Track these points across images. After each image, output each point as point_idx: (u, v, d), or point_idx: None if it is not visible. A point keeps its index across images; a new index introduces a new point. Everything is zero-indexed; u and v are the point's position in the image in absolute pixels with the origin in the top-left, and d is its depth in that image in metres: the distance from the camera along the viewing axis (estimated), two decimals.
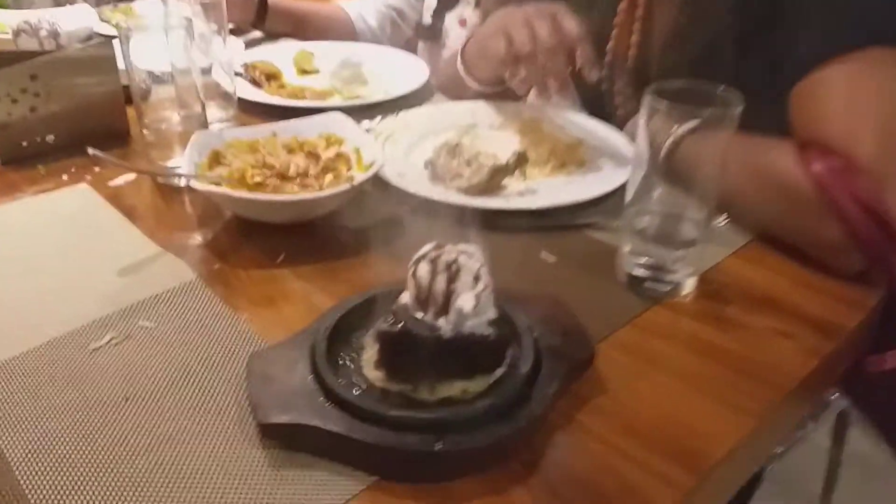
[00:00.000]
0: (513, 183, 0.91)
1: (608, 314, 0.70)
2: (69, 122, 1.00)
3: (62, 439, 0.55)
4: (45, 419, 0.57)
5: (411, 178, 0.91)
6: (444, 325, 0.55)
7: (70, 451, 0.54)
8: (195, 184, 0.79)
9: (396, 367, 0.57)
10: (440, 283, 0.54)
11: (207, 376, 0.62)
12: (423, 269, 0.55)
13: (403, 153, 0.98)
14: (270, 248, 0.79)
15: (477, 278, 0.55)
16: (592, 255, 0.81)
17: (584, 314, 0.66)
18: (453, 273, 0.55)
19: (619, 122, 1.07)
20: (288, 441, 0.55)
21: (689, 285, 0.74)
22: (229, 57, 1.06)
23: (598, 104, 1.13)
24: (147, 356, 0.64)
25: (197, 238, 0.83)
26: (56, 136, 1.01)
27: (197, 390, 0.60)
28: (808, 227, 0.76)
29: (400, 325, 0.55)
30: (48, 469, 0.53)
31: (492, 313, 0.56)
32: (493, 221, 0.84)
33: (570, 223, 0.85)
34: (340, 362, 0.60)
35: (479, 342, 0.55)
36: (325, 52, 1.34)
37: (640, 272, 0.75)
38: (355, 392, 0.56)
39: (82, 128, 1.00)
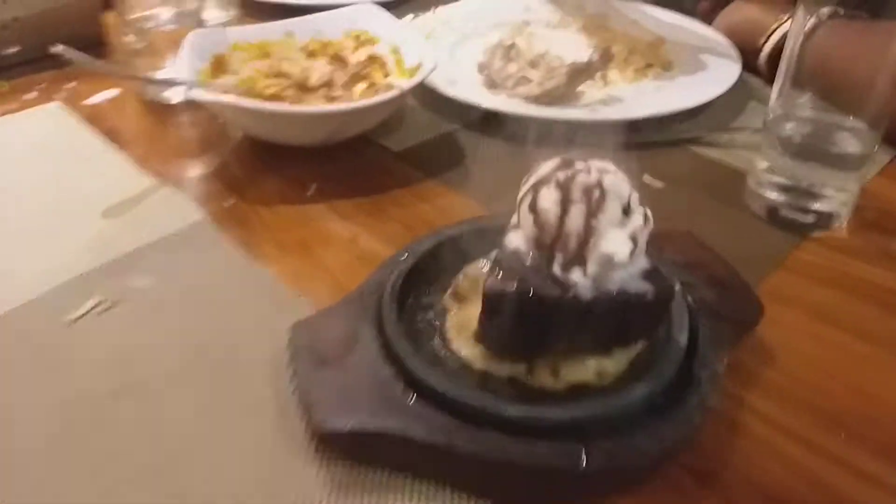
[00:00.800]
0: (591, 89, 0.73)
1: (748, 254, 0.53)
2: (35, 29, 0.82)
3: (27, 455, 0.38)
4: (3, 424, 0.40)
5: (463, 85, 0.72)
6: (581, 279, 0.37)
7: (38, 472, 0.37)
8: (199, 94, 0.60)
9: (507, 342, 0.40)
10: (576, 216, 0.37)
11: (230, 358, 0.45)
12: (549, 198, 0.37)
13: (447, 56, 0.79)
14: (297, 177, 0.61)
15: (628, 210, 0.38)
16: (706, 178, 0.63)
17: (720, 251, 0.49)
18: (596, 202, 0.37)
19: (703, 15, 0.88)
20: (357, 454, 0.38)
21: (843, 214, 0.57)
22: None
23: None
24: (144, 329, 0.46)
25: (201, 166, 0.64)
26: (21, 46, 0.83)
27: (216, 379, 0.43)
28: None
29: (516, 283, 0.37)
30: (9, 495, 0.36)
31: (645, 261, 0.39)
32: (574, 137, 0.65)
33: (670, 138, 0.68)
34: (417, 332, 0.43)
35: (632, 305, 0.38)
36: None
37: (776, 196, 0.57)
38: (449, 379, 0.39)
39: (52, 35, 0.80)
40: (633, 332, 0.40)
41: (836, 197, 0.57)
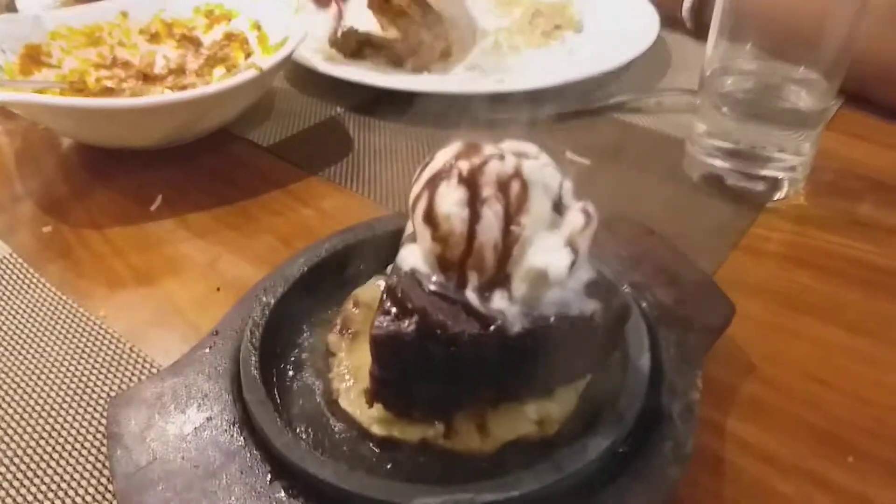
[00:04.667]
0: (494, 57, 0.62)
1: (697, 236, 0.45)
2: None
3: None
4: None
5: (353, 64, 0.61)
6: (506, 306, 0.27)
7: None
8: (1, 96, 0.46)
9: (412, 399, 0.29)
10: (490, 221, 0.26)
11: (41, 446, 0.32)
12: (451, 198, 0.27)
13: (321, 29, 0.67)
14: (138, 189, 0.48)
15: (560, 205, 0.27)
16: (637, 149, 0.54)
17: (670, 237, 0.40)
18: (515, 199, 0.26)
19: None
20: None
21: (798, 179, 0.49)
22: None
23: None
24: None
25: (13, 187, 0.50)
26: None
27: (18, 481, 0.31)
28: None
29: (413, 321, 0.26)
30: None
31: (587, 271, 0.29)
32: (482, 114, 0.55)
33: (590, 107, 0.58)
34: (289, 388, 0.32)
35: (577, 332, 0.28)
36: None
37: (720, 164, 0.49)
38: (335, 461, 0.28)
39: None
40: (581, 365, 0.30)
41: (790, 159, 0.48)
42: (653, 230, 0.39)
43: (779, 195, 0.48)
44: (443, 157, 0.28)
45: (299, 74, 0.62)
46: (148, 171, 0.50)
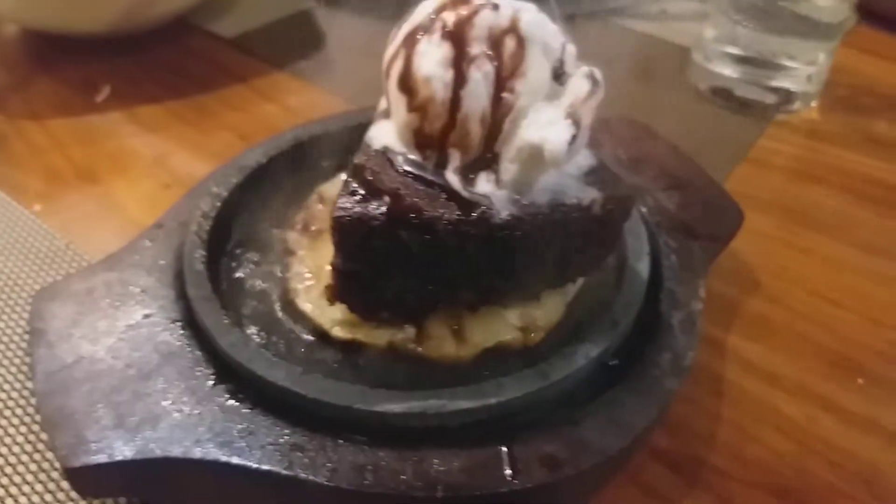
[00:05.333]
0: None
1: (703, 146, 0.40)
2: None
3: None
4: None
5: None
6: (492, 189, 0.23)
7: None
8: None
9: (380, 298, 0.25)
10: (478, 85, 0.22)
11: None
12: (432, 57, 0.22)
13: None
14: (84, 78, 0.43)
15: (561, 71, 0.23)
16: (639, 56, 0.50)
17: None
18: (510, 60, 0.22)
19: None
20: (137, 493, 0.23)
21: (812, 92, 0.45)
22: None
23: None
24: None
25: None
26: None
27: None
28: None
29: (382, 203, 0.22)
30: None
31: (588, 156, 0.25)
32: None
33: (589, 10, 0.53)
34: (243, 290, 0.28)
35: (576, 223, 0.24)
36: None
37: (732, 72, 0.45)
38: (288, 362, 0.24)
39: None
40: (574, 265, 0.26)
41: (804, 70, 0.44)
42: (655, 133, 0.35)
43: (790, 107, 0.45)
44: (425, 7, 0.23)
45: None
46: (96, 62, 0.45)
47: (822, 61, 0.44)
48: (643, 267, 0.27)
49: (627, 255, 0.28)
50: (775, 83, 0.44)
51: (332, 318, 0.26)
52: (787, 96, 0.44)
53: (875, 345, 0.31)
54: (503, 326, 0.26)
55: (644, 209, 0.31)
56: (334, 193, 0.31)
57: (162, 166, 0.37)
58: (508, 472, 0.22)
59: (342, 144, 0.33)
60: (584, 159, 0.25)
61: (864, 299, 0.33)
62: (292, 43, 0.48)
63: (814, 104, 0.45)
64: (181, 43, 0.47)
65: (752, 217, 0.35)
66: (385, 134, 0.25)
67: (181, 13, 0.47)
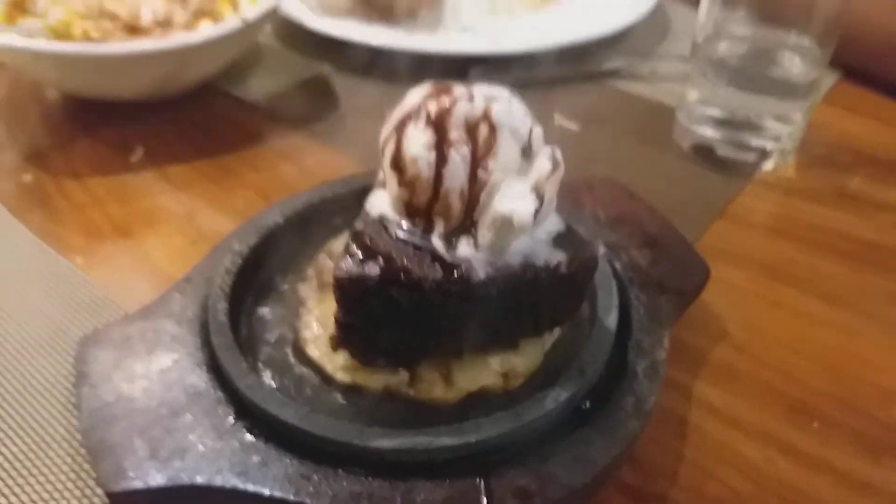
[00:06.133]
0: (489, 18, 0.62)
1: (684, 203, 0.44)
2: None
3: None
4: None
5: (342, 18, 0.60)
6: (471, 252, 0.27)
7: None
8: None
9: (376, 346, 0.29)
10: (457, 166, 0.26)
11: (14, 387, 0.32)
12: (419, 142, 0.26)
13: None
14: (120, 139, 0.48)
15: (528, 150, 0.27)
16: (628, 116, 0.54)
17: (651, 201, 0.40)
18: (483, 143, 0.26)
19: None
20: None
21: (788, 150, 0.48)
22: None
23: None
24: None
25: None
26: None
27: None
28: None
29: (376, 265, 0.26)
30: None
31: (556, 222, 0.28)
32: (473, 74, 0.55)
33: (585, 72, 0.57)
34: (260, 339, 0.32)
35: (545, 282, 0.27)
36: None
37: (711, 132, 0.48)
38: (298, 403, 0.28)
39: None
40: (546, 317, 0.30)
41: (780, 129, 0.48)
42: (633, 193, 0.39)
43: (768, 166, 0.48)
44: (412, 98, 0.27)
45: (288, 31, 0.61)
46: (131, 124, 0.49)
47: (798, 120, 0.48)
48: (612, 320, 0.31)
49: (598, 308, 0.31)
50: (754, 142, 0.48)
51: (336, 363, 0.30)
52: (764, 155, 0.48)
53: (832, 391, 0.33)
54: (486, 372, 0.30)
55: (618, 265, 0.34)
56: (341, 249, 0.35)
57: (190, 222, 0.42)
58: (485, 501, 0.25)
59: (349, 205, 0.37)
60: (554, 225, 0.28)
61: (826, 349, 0.36)
62: (307, 106, 0.52)
63: (791, 161, 0.48)
64: (208, 106, 0.52)
65: (726, 271, 0.38)
66: (381, 203, 0.28)
67: (209, 79, 0.52)
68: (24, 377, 0.32)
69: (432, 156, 0.26)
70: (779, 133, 0.47)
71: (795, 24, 0.45)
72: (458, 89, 0.27)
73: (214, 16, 0.56)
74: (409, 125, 0.27)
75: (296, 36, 0.60)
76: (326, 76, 0.56)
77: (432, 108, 0.26)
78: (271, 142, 0.48)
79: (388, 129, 0.28)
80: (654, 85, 0.56)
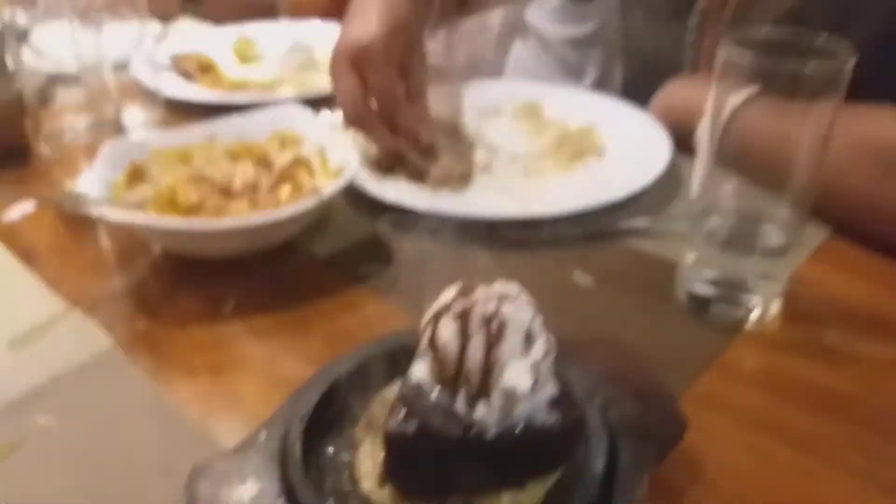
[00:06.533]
0: (521, 180, 0.73)
1: (678, 355, 0.52)
2: None
3: None
4: None
5: (393, 182, 0.72)
6: (485, 414, 0.36)
7: None
8: (106, 212, 0.58)
9: (412, 483, 0.37)
10: (476, 349, 0.35)
11: None
12: (448, 331, 0.36)
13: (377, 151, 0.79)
14: (215, 294, 0.59)
15: (530, 338, 0.36)
16: (638, 272, 0.62)
17: (645, 359, 0.47)
18: (495, 333, 0.36)
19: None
20: None
21: (773, 307, 0.56)
22: (151, 46, 0.85)
23: (677, 62, 0.89)
24: (40, 480, 0.43)
25: (115, 285, 0.62)
26: None
27: None
28: None
29: (415, 423, 0.36)
30: None
31: (552, 388, 0.37)
32: (504, 234, 0.65)
33: (604, 230, 0.67)
34: (324, 469, 0.41)
35: (540, 437, 0.36)
36: (270, 38, 1.13)
37: (706, 291, 0.57)
38: None
39: None
40: (545, 464, 0.38)
41: (766, 288, 0.56)
42: (631, 353, 0.47)
43: (754, 320, 0.56)
44: (445, 296, 0.37)
45: (350, 192, 0.72)
46: (224, 278, 0.60)
47: (780, 278, 0.56)
48: (599, 463, 0.39)
49: (590, 452, 0.39)
50: (743, 299, 0.56)
51: (384, 495, 0.38)
52: (750, 311, 0.56)
53: None
54: None
55: (611, 415, 0.42)
56: (390, 399, 0.44)
57: (271, 367, 0.52)
58: None
59: (398, 359, 0.46)
60: (551, 389, 0.37)
61: (795, 492, 0.42)
62: (367, 261, 0.63)
63: (774, 316, 0.56)
64: (286, 262, 0.62)
65: (709, 418, 0.46)
66: (420, 371, 0.38)
67: (289, 239, 0.63)
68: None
69: (458, 342, 0.35)
70: (764, 290, 0.56)
71: (772, 195, 0.54)
72: (478, 291, 0.37)
73: (293, 181, 0.68)
74: (441, 318, 0.36)
75: (357, 197, 0.71)
76: (383, 233, 0.67)
77: (458, 307, 0.36)
78: (337, 294, 0.59)
79: (426, 318, 0.37)
80: (664, 242, 0.65)
